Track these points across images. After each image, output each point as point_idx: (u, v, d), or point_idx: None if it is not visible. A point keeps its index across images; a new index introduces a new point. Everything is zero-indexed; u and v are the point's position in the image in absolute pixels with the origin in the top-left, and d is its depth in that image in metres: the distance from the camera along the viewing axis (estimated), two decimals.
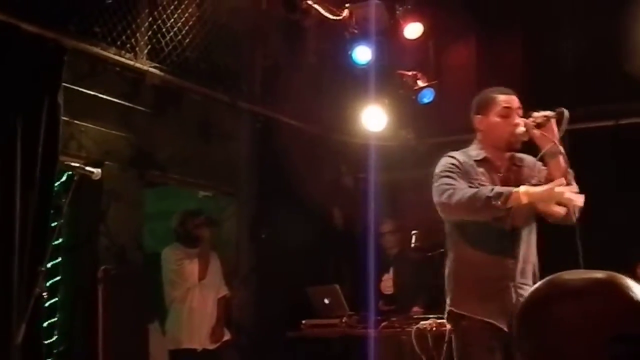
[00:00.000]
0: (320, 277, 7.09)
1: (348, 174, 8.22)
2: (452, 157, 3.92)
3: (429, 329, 5.41)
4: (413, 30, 7.34)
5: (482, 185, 3.77)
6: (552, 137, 3.68)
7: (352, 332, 6.31)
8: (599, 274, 1.26)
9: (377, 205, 7.34)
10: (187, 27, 6.43)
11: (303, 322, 6.51)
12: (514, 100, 3.89)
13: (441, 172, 3.87)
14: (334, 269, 7.69)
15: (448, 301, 3.89)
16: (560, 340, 1.21)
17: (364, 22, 7.10)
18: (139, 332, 6.04)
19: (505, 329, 3.66)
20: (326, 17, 6.99)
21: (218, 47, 6.79)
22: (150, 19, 6.12)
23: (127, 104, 5.98)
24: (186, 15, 6.44)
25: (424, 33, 7.34)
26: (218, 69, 6.85)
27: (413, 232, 6.53)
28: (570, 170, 3.74)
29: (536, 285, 1.31)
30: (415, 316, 6.00)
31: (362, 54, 7.13)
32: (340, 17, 7.10)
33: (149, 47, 6.10)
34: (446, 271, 3.94)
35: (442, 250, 6.55)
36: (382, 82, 7.40)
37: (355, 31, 7.14)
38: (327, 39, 7.46)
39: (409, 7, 7.29)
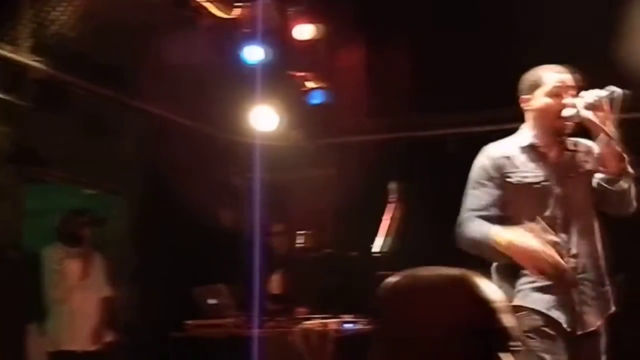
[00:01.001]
0: (208, 277, 7.03)
1: (237, 173, 8.17)
2: (485, 155, 3.50)
3: (313, 329, 5.43)
4: (305, 31, 7.37)
5: (526, 177, 3.41)
6: (604, 120, 3.28)
7: (238, 332, 6.27)
8: (454, 271, 1.29)
9: (265, 206, 7.32)
10: (73, 21, 6.25)
11: (188, 322, 6.43)
12: (567, 79, 3.44)
13: (469, 183, 3.51)
14: (222, 269, 7.63)
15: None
16: (415, 338, 1.22)
17: (255, 22, 7.08)
18: (17, 333, 5.86)
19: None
20: (217, 15, 6.93)
21: (106, 42, 6.63)
22: (33, 10, 5.92)
23: (6, 97, 5.78)
24: (72, 8, 6.26)
25: (315, 34, 7.38)
26: (106, 64, 6.69)
27: (300, 232, 6.55)
28: (625, 156, 3.35)
29: (393, 279, 1.32)
30: (301, 316, 6.01)
31: (253, 53, 7.10)
32: (231, 16, 7.05)
33: (32, 40, 5.91)
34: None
35: (329, 251, 6.65)
36: (273, 82, 7.39)
37: (246, 30, 7.10)
38: (218, 38, 7.40)
39: (301, 8, 7.31)
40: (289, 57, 7.60)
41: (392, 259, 5.09)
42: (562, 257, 3.26)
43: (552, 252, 3.21)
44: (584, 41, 6.35)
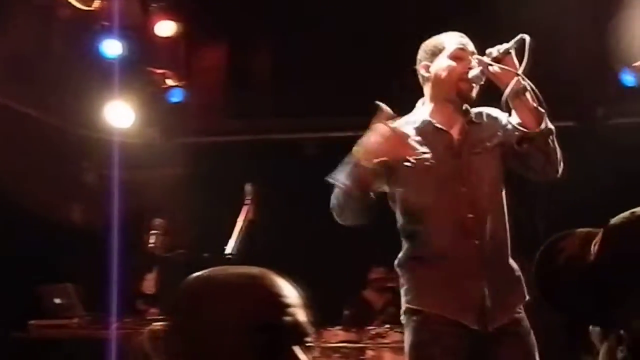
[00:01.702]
0: (55, 275, 6.80)
1: (91, 170, 7.95)
2: None
3: (162, 329, 5.34)
4: (166, 28, 7.28)
5: (425, 163, 3.12)
6: (514, 71, 3.01)
7: (84, 333, 6.09)
8: (252, 270, 1.32)
9: (120, 204, 7.15)
10: None
11: (31, 322, 6.19)
12: (468, 43, 3.22)
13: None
14: (71, 268, 7.39)
15: None
16: (207, 333, 1.24)
17: (115, 15, 6.93)
18: None
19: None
20: (76, 6, 6.74)
21: None
22: None
23: None
24: None
25: (176, 32, 7.30)
26: None
27: (152, 232, 6.43)
28: (541, 110, 3.08)
29: (186, 280, 1.34)
30: (150, 317, 5.91)
31: (111, 47, 6.96)
32: (91, 8, 6.87)
33: None
34: None
35: (182, 251, 6.55)
36: (131, 78, 7.25)
37: (106, 24, 6.95)
38: (75, 29, 7.19)
39: (163, 4, 7.21)
40: (148, 53, 7.49)
41: (244, 261, 5.08)
42: (468, 237, 3.06)
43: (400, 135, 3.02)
44: None
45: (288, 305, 1.28)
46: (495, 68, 3.04)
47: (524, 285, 3.16)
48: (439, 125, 3.20)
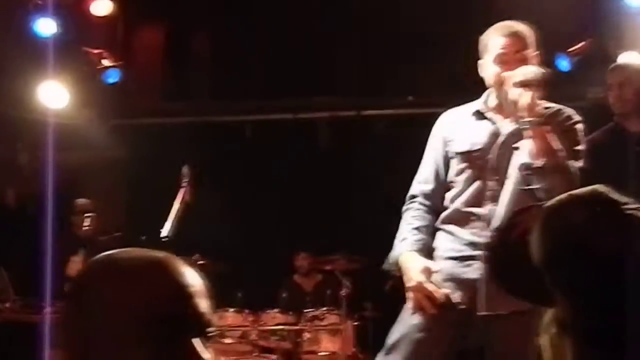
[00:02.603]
0: None
1: (24, 151, 7.78)
2: (438, 120, 3.27)
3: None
4: (102, 7, 7.15)
5: (462, 145, 3.15)
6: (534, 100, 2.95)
7: (15, 317, 5.98)
8: (155, 254, 1.27)
9: (55, 185, 7.02)
10: None
11: None
12: (511, 42, 3.09)
13: None
14: (2, 251, 7.24)
15: None
16: (106, 320, 1.20)
17: None
18: None
19: None
20: None
21: None
22: None
23: None
24: None
25: (113, 11, 7.17)
26: None
27: (86, 214, 6.33)
28: (557, 147, 2.98)
29: (87, 263, 1.29)
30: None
31: (46, 26, 6.80)
32: None
33: None
34: None
35: (118, 234, 6.47)
36: (66, 58, 7.10)
37: (39, 2, 6.79)
38: (8, 7, 7.01)
39: None
40: (84, 33, 7.34)
41: (180, 244, 5.03)
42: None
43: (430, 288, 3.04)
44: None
45: (190, 295, 1.22)
46: (514, 93, 2.97)
47: None
48: (488, 116, 3.18)
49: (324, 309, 5.85)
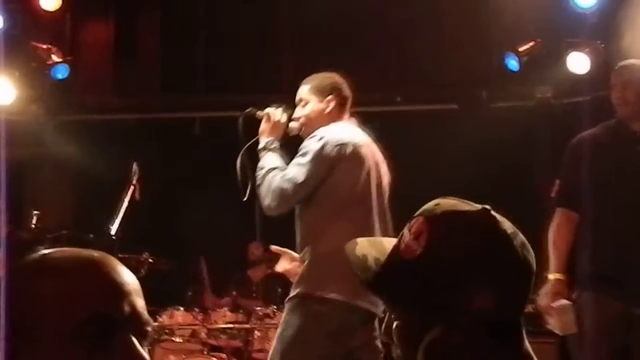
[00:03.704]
0: None
1: None
2: None
3: None
4: (50, 2, 7.03)
5: None
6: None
7: None
8: (87, 253, 1.25)
9: (3, 184, 6.89)
10: None
11: None
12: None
13: None
14: None
15: None
16: (40, 319, 1.17)
17: None
18: None
19: None
20: None
21: None
22: None
23: None
24: None
25: (61, 6, 7.06)
26: None
27: (34, 212, 6.22)
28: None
29: (21, 262, 1.26)
30: None
31: None
32: None
33: None
34: None
35: (65, 232, 6.38)
36: (14, 53, 6.98)
37: None
38: None
39: None
40: (32, 27, 7.21)
41: (127, 242, 4.98)
42: None
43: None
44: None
45: (125, 293, 1.20)
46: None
47: None
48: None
49: (274, 307, 5.83)
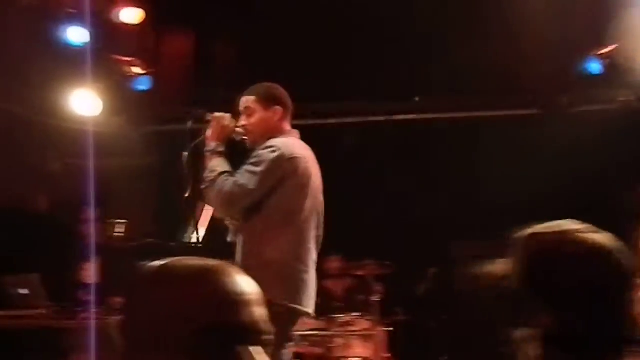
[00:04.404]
0: (19, 266, 6.72)
1: (56, 159, 7.85)
2: None
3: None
4: (132, 15, 7.20)
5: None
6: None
7: (50, 323, 6.02)
8: (206, 263, 1.26)
9: (87, 193, 7.08)
10: None
11: None
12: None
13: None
14: (34, 258, 7.31)
15: None
16: (159, 328, 1.18)
17: (80, 2, 6.84)
18: None
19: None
20: None
21: None
22: None
23: None
24: None
25: (144, 19, 7.22)
26: None
27: (120, 221, 6.37)
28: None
29: (142, 267, 1.28)
30: (116, 307, 5.85)
31: (77, 34, 6.87)
32: None
33: None
34: None
35: (149, 240, 6.51)
36: (98, 66, 7.16)
37: (70, 11, 6.86)
38: (40, 16, 7.09)
39: None
40: (114, 41, 7.39)
41: (209, 250, 5.05)
42: None
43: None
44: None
45: (243, 303, 1.21)
46: None
47: None
48: None
49: (356, 314, 5.83)
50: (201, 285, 1.22)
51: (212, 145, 3.81)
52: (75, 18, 6.83)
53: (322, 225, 3.90)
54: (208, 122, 3.93)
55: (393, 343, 6.09)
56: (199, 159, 3.84)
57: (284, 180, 3.66)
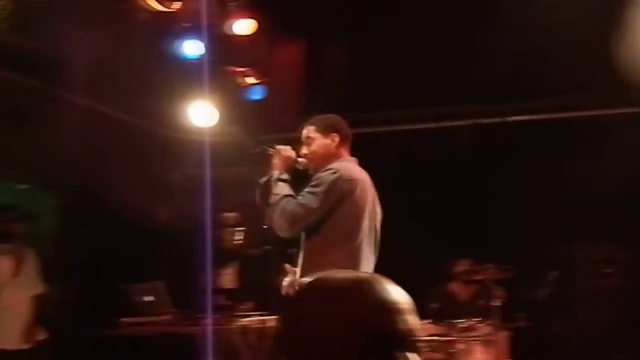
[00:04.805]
0: (143, 274, 6.92)
1: (175, 170, 8.06)
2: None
3: (252, 326, 5.38)
4: (245, 26, 7.31)
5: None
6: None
7: (174, 329, 6.18)
8: (361, 274, 1.31)
9: (209, 202, 7.24)
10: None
11: (122, 320, 6.32)
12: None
13: None
14: (157, 266, 7.52)
15: None
16: (322, 338, 1.23)
17: (195, 16, 7.00)
18: None
19: None
20: (156, 9, 6.83)
21: (35, 31, 6.46)
22: None
23: None
24: None
25: (256, 30, 7.32)
26: (34, 54, 6.50)
27: (238, 228, 6.49)
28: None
29: (302, 282, 1.34)
30: (240, 313, 5.96)
31: (192, 48, 7.03)
32: (171, 10, 6.95)
33: None
34: None
35: (268, 247, 6.59)
36: (212, 78, 7.31)
37: (186, 24, 7.02)
38: (157, 31, 7.29)
39: (241, 2, 7.25)
40: (228, 52, 7.53)
41: None
42: None
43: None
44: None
45: (399, 311, 1.27)
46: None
47: None
48: None
49: (476, 319, 5.74)
50: (361, 296, 1.27)
51: (276, 174, 4.17)
52: (191, 32, 6.99)
53: (377, 248, 4.12)
54: (272, 155, 4.30)
55: (515, 348, 5.96)
56: (269, 191, 4.15)
57: (343, 200, 3.91)
